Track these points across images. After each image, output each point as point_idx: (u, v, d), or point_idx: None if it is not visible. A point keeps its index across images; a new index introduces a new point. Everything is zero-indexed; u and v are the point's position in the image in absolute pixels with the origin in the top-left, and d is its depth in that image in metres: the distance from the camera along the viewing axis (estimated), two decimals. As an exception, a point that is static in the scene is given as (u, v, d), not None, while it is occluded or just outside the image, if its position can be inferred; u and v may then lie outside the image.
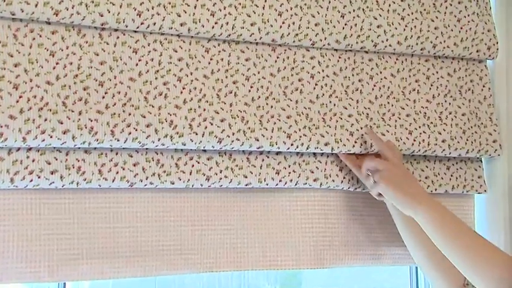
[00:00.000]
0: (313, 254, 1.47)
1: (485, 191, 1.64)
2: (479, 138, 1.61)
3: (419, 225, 1.35)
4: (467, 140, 1.59)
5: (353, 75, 1.53)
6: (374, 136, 1.46)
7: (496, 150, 1.63)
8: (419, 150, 1.53)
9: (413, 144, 1.52)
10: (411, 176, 1.43)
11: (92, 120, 1.25)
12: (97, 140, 1.26)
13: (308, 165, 1.46)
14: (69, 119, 1.24)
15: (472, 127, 1.61)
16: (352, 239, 1.51)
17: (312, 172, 1.46)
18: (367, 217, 1.54)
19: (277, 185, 1.43)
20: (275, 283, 1.72)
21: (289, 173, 1.43)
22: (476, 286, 1.26)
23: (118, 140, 1.27)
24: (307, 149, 1.43)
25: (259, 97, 1.42)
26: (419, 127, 1.54)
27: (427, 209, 1.33)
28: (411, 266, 1.71)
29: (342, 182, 1.48)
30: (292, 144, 1.41)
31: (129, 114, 1.29)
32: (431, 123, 1.56)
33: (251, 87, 1.42)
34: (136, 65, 1.33)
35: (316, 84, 1.48)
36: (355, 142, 1.47)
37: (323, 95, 1.48)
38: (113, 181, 1.29)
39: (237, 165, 1.39)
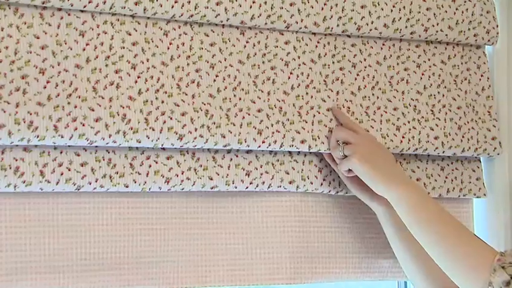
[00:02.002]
0: (289, 267, 1.45)
1: (484, 194, 1.63)
2: (476, 135, 1.61)
3: (397, 212, 1.34)
4: (463, 136, 1.59)
5: (333, 62, 1.51)
6: (341, 114, 1.46)
7: (495, 148, 1.62)
8: (408, 149, 1.52)
9: (401, 141, 1.51)
10: (389, 154, 1.42)
11: (31, 114, 1.22)
12: (37, 137, 1.23)
13: (283, 165, 1.44)
14: (4, 111, 1.21)
15: (468, 122, 1.61)
16: (334, 250, 1.50)
17: (288, 173, 1.44)
18: (351, 224, 1.52)
19: (247, 188, 1.41)
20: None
21: (262, 174, 1.42)
22: (458, 285, 1.25)
23: (62, 137, 1.25)
24: (281, 147, 1.41)
25: (226, 88, 1.40)
26: (409, 122, 1.54)
27: (404, 189, 1.33)
28: (399, 281, 1.70)
29: (322, 184, 1.47)
30: (263, 142, 1.39)
31: (75, 106, 1.26)
32: (422, 117, 1.56)
33: (216, 76, 1.40)
34: (84, 49, 1.30)
35: (291, 73, 1.46)
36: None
37: (299, 85, 1.47)
38: (57, 184, 1.27)
39: (201, 166, 1.37)
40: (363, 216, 1.53)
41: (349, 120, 1.46)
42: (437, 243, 1.28)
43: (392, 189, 1.34)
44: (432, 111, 1.57)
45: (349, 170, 1.40)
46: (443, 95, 1.60)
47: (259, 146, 1.40)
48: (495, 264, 1.21)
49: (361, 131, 1.43)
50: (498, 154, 1.63)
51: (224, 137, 1.36)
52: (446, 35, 1.59)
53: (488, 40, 1.65)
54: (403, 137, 1.51)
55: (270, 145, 1.40)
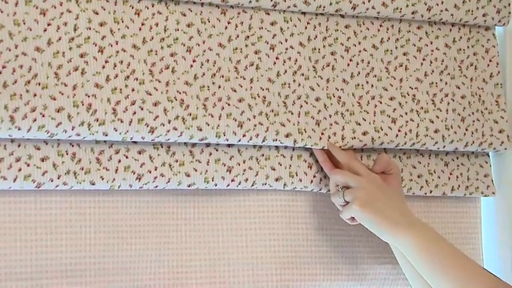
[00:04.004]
0: (274, 273, 1.45)
1: (493, 193, 1.63)
2: (481, 127, 1.60)
3: (408, 259, 1.33)
4: (466, 129, 1.58)
5: (324, 46, 1.50)
6: (337, 151, 1.44)
7: (502, 142, 1.62)
8: (404, 143, 1.52)
9: (397, 135, 1.51)
10: (394, 194, 1.41)
11: (-16, 103, 1.22)
12: (-8, 129, 1.22)
13: (268, 160, 1.43)
14: (-48, 101, 1.21)
15: (473, 113, 1.60)
16: (324, 254, 1.50)
17: (274, 169, 1.44)
18: (344, 226, 1.52)
19: (228, 185, 1.41)
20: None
21: (244, 170, 1.41)
22: None
23: (19, 129, 1.24)
24: (264, 141, 1.41)
25: (204, 74, 1.39)
26: (406, 114, 1.53)
27: (413, 234, 1.32)
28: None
29: (312, 182, 1.46)
30: (244, 136, 1.39)
31: (35, 95, 1.25)
32: (422, 108, 1.55)
33: (193, 61, 1.39)
34: (45, 30, 1.29)
35: (276, 58, 1.46)
36: (322, 134, 1.45)
37: (285, 72, 1.46)
38: (14, 181, 1.26)
39: (176, 161, 1.37)
40: None
41: (347, 158, 1.43)
42: None
43: (400, 235, 1.33)
44: (433, 101, 1.56)
45: (353, 218, 1.39)
46: (446, 83, 1.59)
47: (239, 140, 1.39)
48: None
49: (362, 171, 1.41)
50: (505, 149, 1.62)
51: (201, 129, 1.36)
52: (452, 14, 1.58)
53: (499, 21, 1.63)
54: (399, 131, 1.51)
55: (251, 139, 1.39)
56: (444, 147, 1.56)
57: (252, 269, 1.45)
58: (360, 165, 1.42)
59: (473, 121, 1.60)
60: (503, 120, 1.63)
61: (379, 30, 1.55)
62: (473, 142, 1.58)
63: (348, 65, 1.52)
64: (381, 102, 1.52)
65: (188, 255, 1.41)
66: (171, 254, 1.40)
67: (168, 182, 1.36)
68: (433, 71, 1.58)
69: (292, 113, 1.44)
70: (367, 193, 1.36)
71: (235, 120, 1.38)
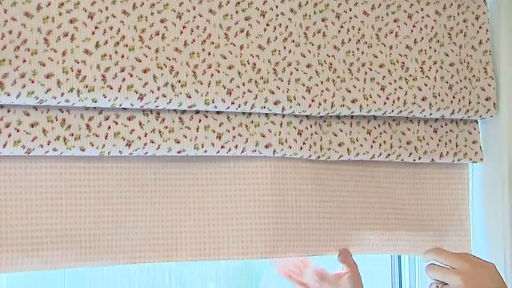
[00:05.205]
0: (263, 240, 1.43)
1: (481, 159, 1.63)
2: (468, 95, 1.59)
3: None
4: (453, 97, 1.57)
5: (315, 12, 1.48)
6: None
7: (488, 110, 1.61)
8: (392, 111, 1.51)
9: (385, 103, 1.50)
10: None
11: (-27, 69, 1.20)
12: (-19, 94, 1.21)
13: (258, 127, 1.42)
14: None
15: (461, 81, 1.59)
16: (315, 221, 1.48)
17: (263, 136, 1.42)
18: (337, 193, 1.51)
19: (218, 152, 1.40)
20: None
21: (234, 137, 1.40)
22: None
23: (9, 95, 1.23)
24: (252, 108, 1.40)
25: (194, 41, 1.37)
26: (395, 81, 1.52)
27: None
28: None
29: (302, 148, 1.45)
30: (233, 103, 1.38)
31: (24, 61, 1.24)
32: (410, 76, 1.54)
33: (183, 27, 1.37)
34: (35, -4, 1.26)
35: (267, 25, 1.44)
36: (312, 101, 1.44)
37: (276, 38, 1.44)
38: (4, 146, 1.25)
39: (166, 127, 1.36)
40: (349, 183, 1.52)
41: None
42: None
43: None
44: (422, 68, 1.55)
45: None
46: (435, 50, 1.57)
47: (228, 108, 1.37)
48: None
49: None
50: (491, 116, 1.61)
51: (190, 96, 1.34)
52: (442, -20, 1.56)
53: (489, -14, 1.62)
54: (387, 98, 1.49)
55: (239, 106, 1.38)
56: (431, 114, 1.55)
57: (240, 235, 1.43)
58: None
59: (461, 88, 1.58)
60: (490, 88, 1.61)
61: (370, -4, 1.53)
62: (459, 110, 1.57)
63: (339, 31, 1.50)
64: (371, 70, 1.51)
65: (175, 221, 1.40)
66: (159, 220, 1.39)
67: (158, 148, 1.35)
68: (422, 38, 1.57)
69: (282, 80, 1.42)
70: None
71: (224, 88, 1.37)
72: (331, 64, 1.48)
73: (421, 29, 1.57)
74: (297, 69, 1.44)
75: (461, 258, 1.33)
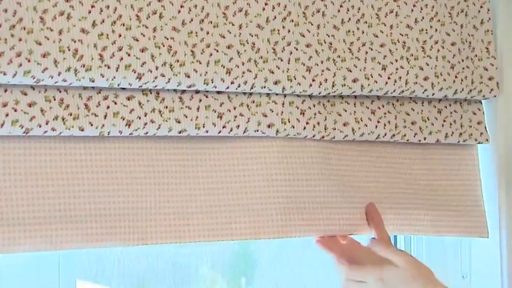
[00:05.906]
0: (275, 219, 1.42)
1: (487, 140, 1.62)
2: (471, 74, 1.58)
3: None
4: (455, 77, 1.56)
5: (314, -9, 1.47)
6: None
7: (492, 90, 1.60)
8: (393, 91, 1.50)
9: (386, 82, 1.49)
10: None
11: (-31, 48, 1.19)
12: (-23, 74, 1.20)
13: (259, 107, 1.41)
14: None
15: (463, 60, 1.58)
16: (327, 200, 1.47)
17: (265, 116, 1.41)
18: (346, 172, 1.50)
19: (220, 132, 1.38)
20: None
21: (235, 116, 1.39)
22: None
23: (4, 74, 1.21)
24: (252, 88, 1.38)
25: (192, 20, 1.36)
26: (396, 61, 1.51)
27: None
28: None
29: (305, 128, 1.44)
30: (232, 83, 1.36)
31: (20, 39, 1.22)
32: (412, 55, 1.53)
33: (181, 6, 1.36)
34: (29, -26, 1.25)
35: (266, 4, 1.42)
36: (313, 81, 1.43)
37: (274, 17, 1.43)
38: (2, 126, 1.23)
39: (166, 107, 1.34)
40: (357, 162, 1.51)
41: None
42: None
43: None
44: (423, 48, 1.54)
45: None
46: (436, 30, 1.56)
47: (227, 88, 1.36)
48: None
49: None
50: (495, 96, 1.61)
51: (188, 76, 1.33)
52: (443, -41, 1.55)
53: (491, -35, 1.61)
54: (388, 78, 1.49)
55: (239, 86, 1.37)
56: (433, 94, 1.54)
57: (251, 215, 1.41)
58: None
59: (463, 68, 1.57)
60: (493, 68, 1.61)
61: (370, -26, 1.52)
62: (462, 89, 1.57)
63: (339, 11, 1.49)
64: (371, 49, 1.50)
65: (184, 202, 1.38)
66: (168, 201, 1.37)
67: (159, 128, 1.33)
68: (423, 18, 1.56)
69: (281, 60, 1.41)
70: None
71: (224, 67, 1.36)
72: (331, 44, 1.46)
73: (422, 9, 1.56)
74: (297, 49, 1.43)
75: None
